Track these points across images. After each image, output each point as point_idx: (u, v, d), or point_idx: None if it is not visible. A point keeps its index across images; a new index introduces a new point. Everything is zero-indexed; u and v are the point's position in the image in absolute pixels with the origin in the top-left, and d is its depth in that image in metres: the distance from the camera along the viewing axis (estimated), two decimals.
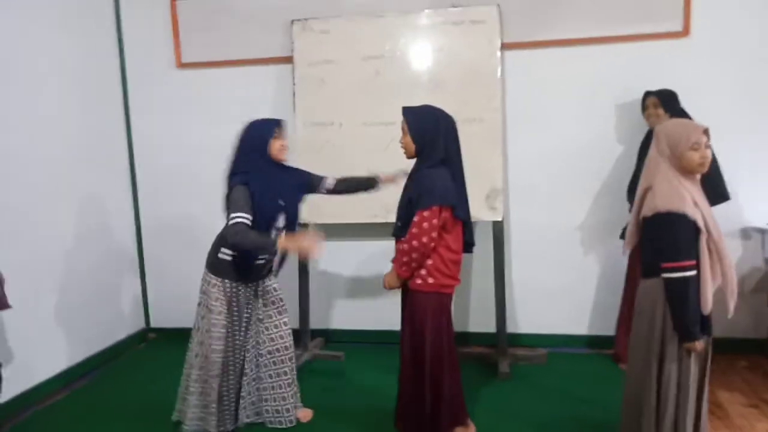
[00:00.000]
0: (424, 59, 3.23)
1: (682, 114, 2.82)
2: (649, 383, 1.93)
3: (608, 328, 3.31)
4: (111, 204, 3.61)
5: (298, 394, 2.63)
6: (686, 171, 1.87)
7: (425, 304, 2.17)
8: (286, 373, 2.52)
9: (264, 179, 2.29)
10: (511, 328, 3.41)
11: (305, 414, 2.64)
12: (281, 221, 2.37)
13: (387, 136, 2.97)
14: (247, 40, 3.54)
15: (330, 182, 2.56)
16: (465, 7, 3.18)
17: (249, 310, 2.48)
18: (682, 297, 1.83)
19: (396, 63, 3.24)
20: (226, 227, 2.24)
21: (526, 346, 3.41)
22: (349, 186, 2.58)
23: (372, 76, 3.26)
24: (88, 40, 3.43)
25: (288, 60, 3.40)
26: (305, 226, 3.18)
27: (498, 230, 3.21)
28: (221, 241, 2.36)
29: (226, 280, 2.36)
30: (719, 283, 1.88)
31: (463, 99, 3.14)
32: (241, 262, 2.35)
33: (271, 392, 2.52)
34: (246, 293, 2.45)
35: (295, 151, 3.33)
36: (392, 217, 2.30)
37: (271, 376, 2.52)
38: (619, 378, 2.97)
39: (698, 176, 1.91)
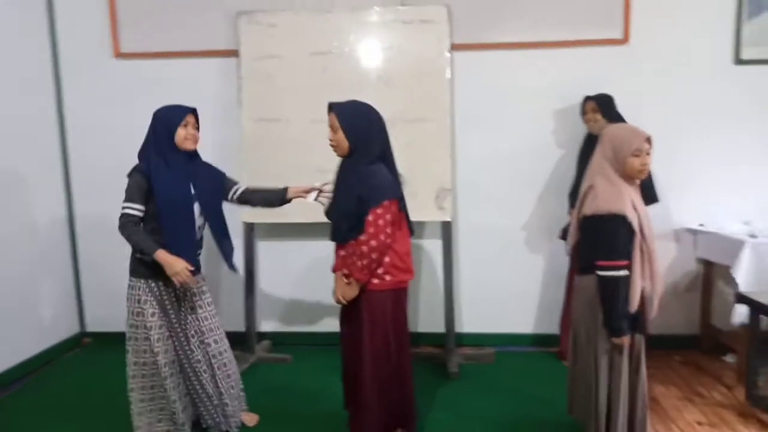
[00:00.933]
0: (373, 57, 3.19)
1: (619, 118, 2.91)
2: (588, 377, 2.01)
3: (553, 327, 3.39)
4: (41, 200, 3.38)
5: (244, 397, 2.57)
6: (627, 176, 1.93)
7: (385, 303, 2.12)
8: (236, 374, 2.49)
9: (167, 167, 2.21)
10: (458, 328, 3.43)
11: (251, 418, 2.56)
12: (197, 214, 2.28)
13: None
14: (190, 30, 3.40)
15: (239, 190, 2.43)
16: (414, 6, 3.16)
17: (183, 310, 2.35)
18: (613, 294, 1.89)
19: (344, 60, 3.19)
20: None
21: (474, 346, 3.44)
22: (256, 199, 2.45)
23: (320, 72, 3.20)
24: (17, 25, 3.20)
25: (233, 53, 3.29)
26: None
27: (446, 231, 3.22)
28: None
29: (150, 281, 2.26)
30: (646, 284, 1.95)
31: (412, 98, 3.13)
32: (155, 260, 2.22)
33: (226, 394, 2.42)
34: (176, 292, 2.33)
35: (241, 147, 3.25)
36: None
37: (222, 378, 2.42)
38: (565, 375, 3.06)
39: (638, 181, 1.97)
